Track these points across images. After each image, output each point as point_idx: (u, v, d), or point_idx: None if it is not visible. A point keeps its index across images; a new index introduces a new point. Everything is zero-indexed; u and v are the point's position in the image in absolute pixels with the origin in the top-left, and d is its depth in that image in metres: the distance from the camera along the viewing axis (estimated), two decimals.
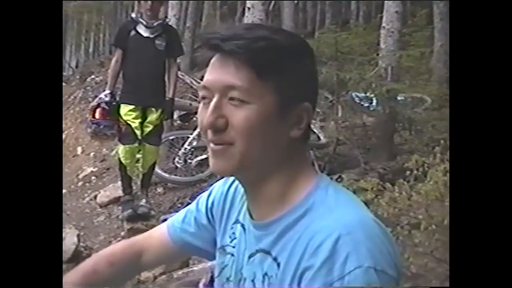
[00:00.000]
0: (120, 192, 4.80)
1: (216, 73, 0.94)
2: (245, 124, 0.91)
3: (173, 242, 1.28)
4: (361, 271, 0.83)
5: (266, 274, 0.98)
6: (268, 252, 0.98)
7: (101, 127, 4.34)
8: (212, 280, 3.02)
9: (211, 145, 0.95)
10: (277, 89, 0.93)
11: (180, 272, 3.25)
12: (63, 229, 4.48)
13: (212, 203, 1.23)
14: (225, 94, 0.92)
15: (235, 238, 1.12)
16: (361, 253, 0.84)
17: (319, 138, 5.27)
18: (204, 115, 0.94)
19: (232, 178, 1.21)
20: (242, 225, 1.10)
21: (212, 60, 0.96)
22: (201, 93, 0.97)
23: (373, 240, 0.87)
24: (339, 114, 5.29)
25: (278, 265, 0.95)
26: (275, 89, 0.92)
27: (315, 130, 5.21)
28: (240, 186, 1.17)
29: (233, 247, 1.11)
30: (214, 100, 0.93)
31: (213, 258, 1.37)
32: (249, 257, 1.04)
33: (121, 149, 4.42)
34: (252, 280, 1.02)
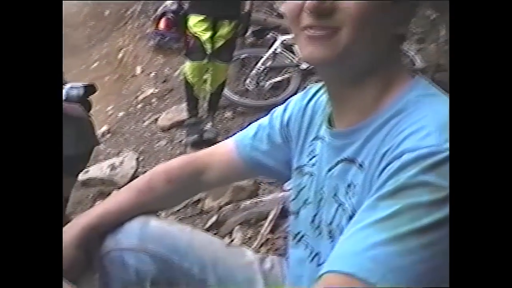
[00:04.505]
0: (183, 115, 4.95)
1: None
2: (357, 8, 0.93)
3: (241, 160, 1.34)
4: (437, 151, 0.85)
5: (350, 184, 1.01)
6: (352, 160, 1.02)
7: (166, 39, 4.43)
8: (283, 211, 3.10)
9: (310, 31, 0.96)
10: None
11: (248, 202, 3.26)
12: (122, 152, 4.73)
13: (289, 120, 1.27)
14: None
15: (314, 156, 1.16)
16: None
17: (413, 64, 5.15)
18: None
19: (311, 92, 1.25)
20: (323, 140, 1.13)
21: None
22: None
23: None
24: (441, 34, 5.12)
25: (364, 171, 0.98)
26: None
27: (409, 53, 5.10)
28: (320, 100, 1.21)
29: (313, 165, 1.16)
30: None
31: (284, 179, 1.42)
32: (329, 170, 1.09)
33: (188, 65, 4.50)
34: (334, 195, 1.06)
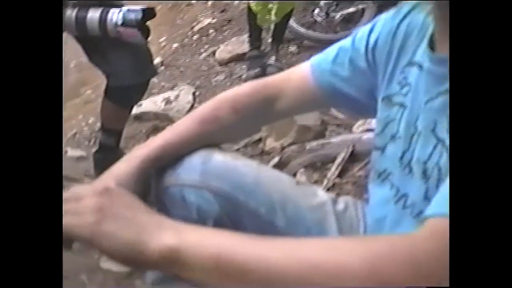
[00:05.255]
0: (244, 48, 4.91)
1: None
2: None
3: (318, 87, 1.29)
4: None
5: None
6: None
7: None
8: (352, 155, 3.05)
9: None
10: None
11: (314, 144, 3.21)
12: (177, 86, 4.74)
13: (376, 42, 1.20)
14: None
15: (407, 84, 1.10)
16: None
17: None
18: None
19: (405, 11, 1.17)
20: (420, 66, 1.07)
21: None
22: None
23: None
24: None
25: None
26: None
27: None
28: (416, 19, 1.13)
29: (405, 95, 1.10)
30: None
31: (364, 111, 1.36)
32: (427, 102, 1.02)
33: None
34: (432, 130, 0.99)
